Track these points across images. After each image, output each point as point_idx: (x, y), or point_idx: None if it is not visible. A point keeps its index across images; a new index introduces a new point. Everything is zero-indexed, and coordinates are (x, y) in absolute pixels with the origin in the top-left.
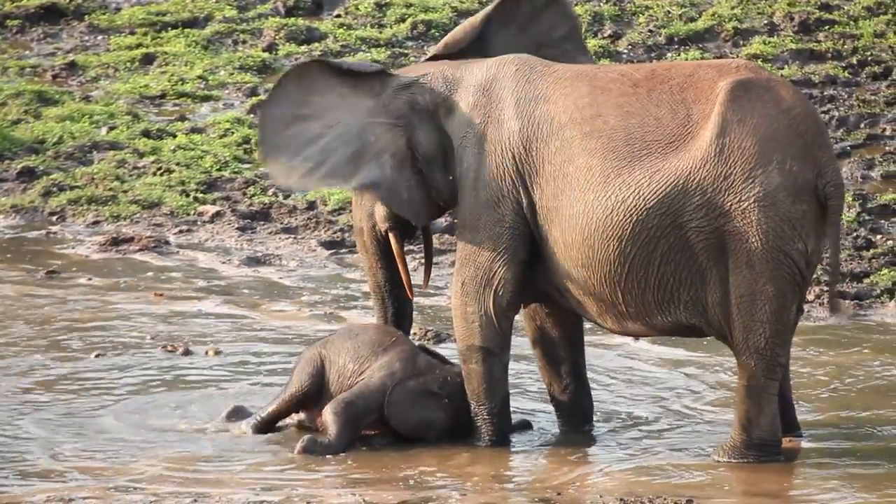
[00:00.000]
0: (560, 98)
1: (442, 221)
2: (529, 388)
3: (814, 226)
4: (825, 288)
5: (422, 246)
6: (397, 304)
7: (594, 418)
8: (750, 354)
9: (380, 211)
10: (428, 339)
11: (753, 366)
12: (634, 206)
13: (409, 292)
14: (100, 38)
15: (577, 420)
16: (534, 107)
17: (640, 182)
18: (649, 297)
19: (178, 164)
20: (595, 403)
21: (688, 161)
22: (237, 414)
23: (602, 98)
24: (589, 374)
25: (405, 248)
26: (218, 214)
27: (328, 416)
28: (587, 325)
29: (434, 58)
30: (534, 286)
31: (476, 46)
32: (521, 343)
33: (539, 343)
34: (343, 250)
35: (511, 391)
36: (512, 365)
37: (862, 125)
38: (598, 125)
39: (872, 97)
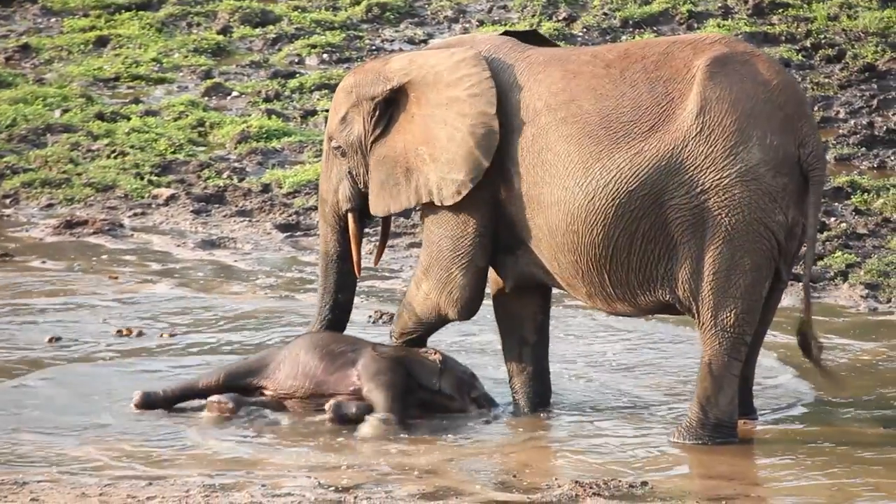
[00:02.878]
0: (534, 84)
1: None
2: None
3: (794, 197)
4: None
5: (378, 228)
6: (341, 276)
7: (550, 401)
8: (717, 332)
9: (344, 191)
10: (382, 322)
11: (718, 344)
12: (616, 189)
13: (356, 271)
14: (53, 20)
15: (531, 402)
16: (508, 95)
17: (620, 166)
18: (632, 277)
19: (132, 146)
20: (552, 385)
21: (669, 142)
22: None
23: (575, 82)
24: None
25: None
26: (172, 197)
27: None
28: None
29: None
30: (515, 269)
31: None
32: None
33: (504, 323)
34: (298, 233)
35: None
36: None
37: (815, 108)
38: (572, 110)
39: (826, 80)
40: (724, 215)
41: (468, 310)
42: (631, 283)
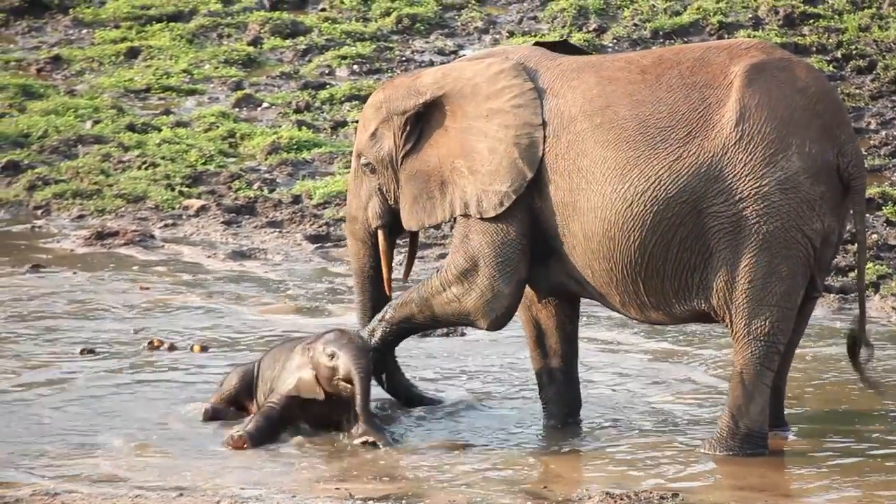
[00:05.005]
0: (568, 91)
1: None
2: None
3: (830, 205)
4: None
5: (407, 241)
6: (378, 290)
7: (580, 411)
8: (750, 340)
9: (374, 208)
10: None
11: (751, 352)
12: (655, 196)
13: (387, 289)
14: (84, 31)
15: (562, 413)
16: (542, 103)
17: (659, 172)
18: (667, 285)
19: (163, 157)
20: (582, 396)
21: (708, 149)
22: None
23: (610, 88)
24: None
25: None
26: (203, 208)
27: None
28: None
29: None
30: (546, 280)
31: None
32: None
33: (532, 333)
34: (328, 244)
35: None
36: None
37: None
38: (609, 116)
39: (857, 91)
40: (762, 223)
41: (503, 320)
42: (666, 292)
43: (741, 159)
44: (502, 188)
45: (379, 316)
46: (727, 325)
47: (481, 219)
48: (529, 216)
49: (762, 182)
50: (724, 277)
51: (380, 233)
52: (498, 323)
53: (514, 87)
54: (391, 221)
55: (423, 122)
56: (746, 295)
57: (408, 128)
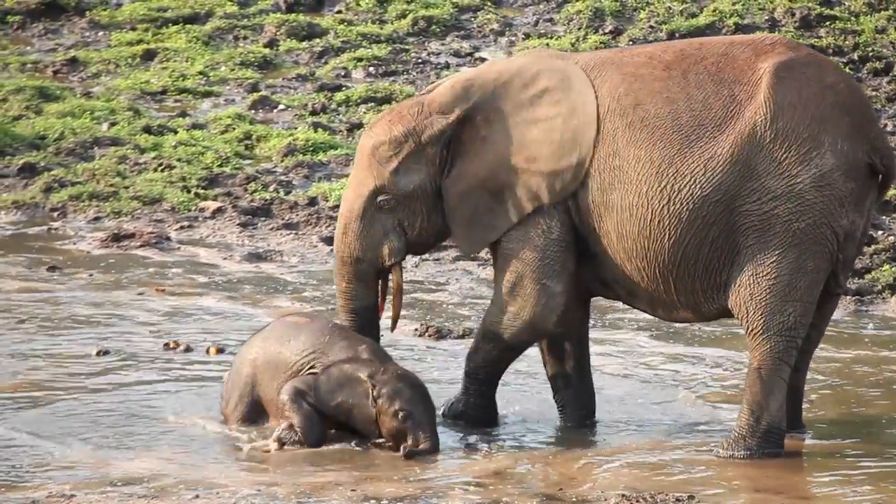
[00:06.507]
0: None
1: None
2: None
3: (857, 201)
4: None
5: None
6: (375, 331)
7: (595, 414)
8: (770, 335)
9: (391, 245)
10: (430, 335)
11: (770, 347)
12: (691, 194)
13: (393, 326)
14: (101, 33)
15: (579, 415)
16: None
17: (695, 170)
18: (697, 284)
19: (179, 159)
20: (596, 400)
21: (742, 147)
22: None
23: (637, 85)
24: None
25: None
26: (219, 210)
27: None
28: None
29: None
30: (578, 286)
31: None
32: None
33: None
34: None
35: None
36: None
37: None
38: (640, 114)
39: (874, 93)
40: (794, 220)
41: (567, 318)
42: (696, 291)
43: (776, 157)
44: (572, 160)
45: (463, 384)
46: (743, 321)
47: (518, 225)
48: (567, 215)
49: (796, 180)
50: (750, 273)
51: (395, 269)
52: (563, 321)
53: (547, 70)
54: (404, 256)
55: (455, 142)
56: (771, 290)
57: (444, 153)
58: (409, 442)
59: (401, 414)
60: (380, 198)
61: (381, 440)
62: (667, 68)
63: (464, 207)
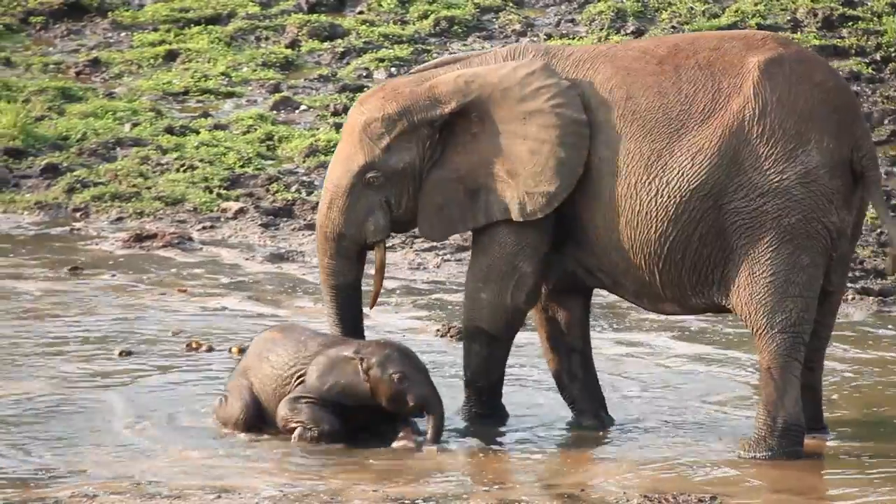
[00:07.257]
0: (583, 81)
1: None
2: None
3: (845, 198)
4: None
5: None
6: (357, 305)
7: (606, 405)
8: (775, 333)
9: (376, 222)
10: (451, 336)
11: (777, 346)
12: (678, 187)
13: (372, 303)
14: (123, 34)
15: (592, 408)
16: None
17: (682, 164)
18: (685, 278)
19: (201, 160)
20: (617, 400)
21: (730, 141)
22: None
23: (630, 79)
24: (611, 373)
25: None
26: (241, 211)
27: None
28: (598, 325)
29: None
30: (559, 267)
31: None
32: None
33: (547, 335)
34: None
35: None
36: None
37: (886, 122)
38: (630, 107)
39: None
40: (783, 216)
41: (536, 294)
42: (683, 284)
43: (762, 153)
44: (550, 188)
45: (465, 395)
46: (746, 321)
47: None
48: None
49: (783, 176)
50: (746, 273)
51: (378, 247)
52: (533, 297)
53: (550, 86)
54: (389, 234)
55: (447, 131)
56: (770, 288)
57: (436, 137)
58: (410, 403)
59: (396, 377)
60: (369, 174)
61: (393, 438)
62: (660, 63)
63: (436, 195)
